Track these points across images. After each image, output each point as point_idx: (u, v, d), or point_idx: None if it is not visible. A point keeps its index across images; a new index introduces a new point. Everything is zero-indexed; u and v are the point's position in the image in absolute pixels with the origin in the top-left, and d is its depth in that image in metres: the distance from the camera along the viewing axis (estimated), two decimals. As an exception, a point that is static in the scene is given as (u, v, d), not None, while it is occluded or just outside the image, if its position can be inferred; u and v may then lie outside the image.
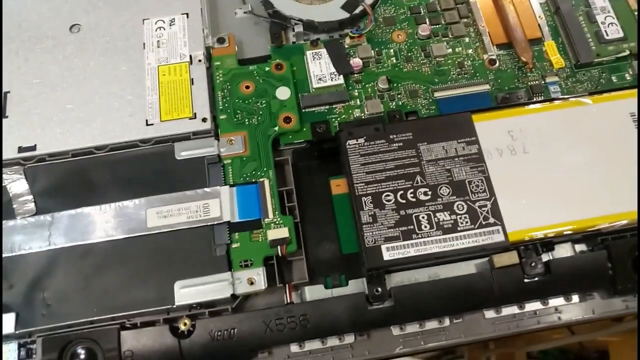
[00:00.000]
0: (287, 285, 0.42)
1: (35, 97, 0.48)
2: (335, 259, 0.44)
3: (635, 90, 0.46)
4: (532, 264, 0.41)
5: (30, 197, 0.44)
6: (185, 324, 0.40)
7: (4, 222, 0.43)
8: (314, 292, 0.42)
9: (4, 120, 0.46)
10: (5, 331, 0.40)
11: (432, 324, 0.42)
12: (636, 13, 0.51)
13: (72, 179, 0.45)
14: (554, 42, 0.50)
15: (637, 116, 0.45)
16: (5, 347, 0.41)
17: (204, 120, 0.46)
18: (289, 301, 0.42)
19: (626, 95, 0.46)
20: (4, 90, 0.48)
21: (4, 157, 0.45)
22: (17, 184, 0.44)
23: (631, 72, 0.49)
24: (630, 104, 0.46)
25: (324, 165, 0.47)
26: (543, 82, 0.49)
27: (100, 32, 0.50)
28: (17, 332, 0.40)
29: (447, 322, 0.42)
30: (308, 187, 0.46)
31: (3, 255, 0.42)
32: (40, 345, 0.39)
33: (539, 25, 0.51)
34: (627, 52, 0.50)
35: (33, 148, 0.45)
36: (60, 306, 0.40)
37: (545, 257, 0.42)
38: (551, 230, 0.42)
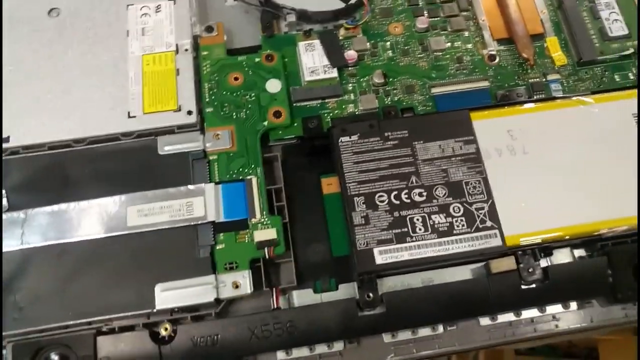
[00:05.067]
0: (274, 289, 0.40)
1: (9, 86, 0.45)
2: (325, 262, 0.41)
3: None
4: (530, 270, 0.40)
5: (2, 192, 0.42)
6: (166, 329, 0.38)
7: (-27, 218, 0.41)
8: (303, 297, 0.40)
9: (-25, 110, 0.44)
10: (-27, 335, 0.38)
11: (425, 331, 0.40)
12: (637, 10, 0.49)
13: (48, 174, 0.42)
14: (557, 38, 0.48)
15: (637, 117, 0.44)
16: (-26, 351, 0.39)
17: (189, 113, 0.44)
18: (275, 306, 0.40)
19: (629, 95, 0.45)
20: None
21: (-26, 149, 0.43)
22: (-12, 178, 0.42)
23: (634, 71, 0.48)
24: (633, 104, 0.44)
25: (315, 163, 0.44)
26: (544, 79, 0.47)
27: (81, 17, 0.48)
28: (-15, 336, 0.38)
29: (440, 329, 0.40)
30: (298, 185, 0.44)
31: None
32: (10, 351, 0.37)
33: (541, 20, 0.49)
34: (631, 51, 0.48)
35: (6, 140, 0.43)
36: (33, 309, 0.38)
37: (543, 263, 0.41)
38: (550, 234, 0.40)
